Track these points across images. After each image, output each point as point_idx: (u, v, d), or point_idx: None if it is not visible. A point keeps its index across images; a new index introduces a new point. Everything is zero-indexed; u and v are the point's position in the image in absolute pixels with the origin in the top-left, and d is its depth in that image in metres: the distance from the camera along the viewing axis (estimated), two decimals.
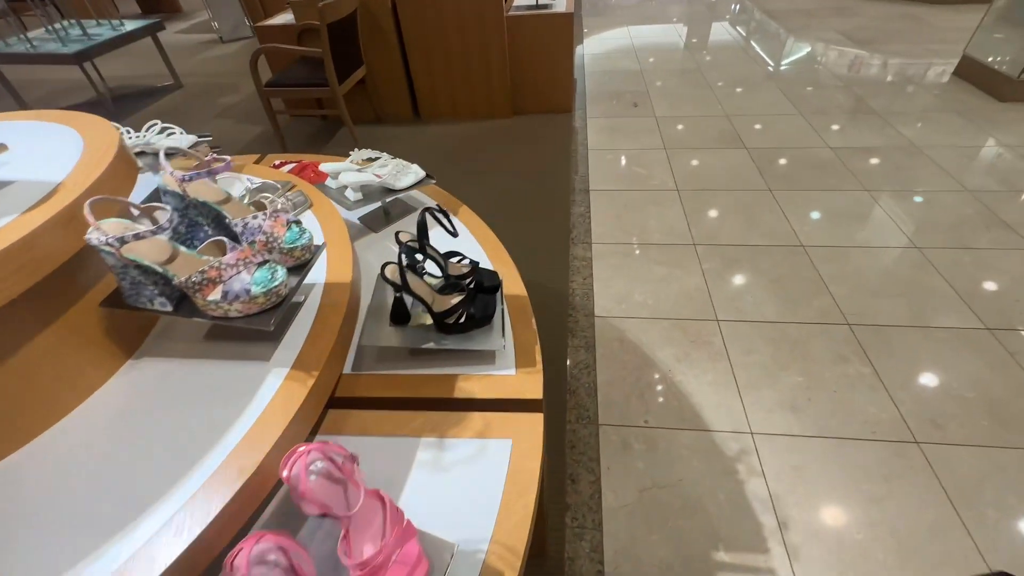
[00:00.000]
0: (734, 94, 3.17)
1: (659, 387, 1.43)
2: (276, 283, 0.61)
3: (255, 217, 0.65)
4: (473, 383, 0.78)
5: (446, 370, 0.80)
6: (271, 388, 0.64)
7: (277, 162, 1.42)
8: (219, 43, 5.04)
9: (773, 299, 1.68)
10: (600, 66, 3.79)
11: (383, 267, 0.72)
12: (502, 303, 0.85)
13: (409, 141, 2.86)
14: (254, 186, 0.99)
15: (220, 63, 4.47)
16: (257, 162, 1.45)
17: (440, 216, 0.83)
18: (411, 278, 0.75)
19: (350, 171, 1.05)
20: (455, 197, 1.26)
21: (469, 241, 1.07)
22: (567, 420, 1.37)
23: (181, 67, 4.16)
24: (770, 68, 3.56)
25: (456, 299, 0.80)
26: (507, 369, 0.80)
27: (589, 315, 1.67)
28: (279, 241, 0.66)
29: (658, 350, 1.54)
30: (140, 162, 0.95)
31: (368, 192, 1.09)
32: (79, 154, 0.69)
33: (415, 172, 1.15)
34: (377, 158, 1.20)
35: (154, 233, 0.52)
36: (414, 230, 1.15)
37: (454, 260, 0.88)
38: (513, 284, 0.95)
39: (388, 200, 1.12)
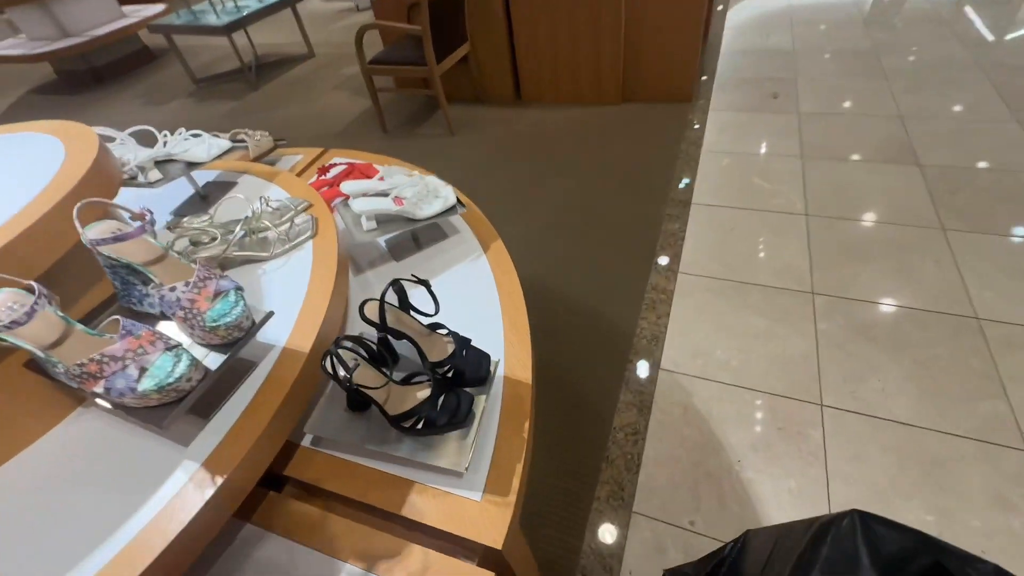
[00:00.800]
0: (918, 86, 2.45)
1: (720, 481, 1.15)
2: (173, 379, 0.50)
3: (173, 289, 0.55)
4: (427, 500, 0.63)
5: (405, 472, 0.66)
6: (175, 486, 0.56)
7: (332, 161, 1.36)
8: (355, 12, 5.26)
9: (914, 390, 1.25)
10: (743, 43, 3.20)
11: (323, 357, 0.58)
12: (486, 402, 0.67)
13: (504, 125, 2.69)
14: (265, 207, 0.92)
15: (351, 32, 4.65)
16: (315, 160, 1.40)
17: (411, 286, 0.67)
18: (362, 370, 0.61)
19: (366, 196, 0.93)
20: (493, 226, 1.08)
21: (487, 292, 0.89)
22: (596, 496, 1.16)
23: (317, 36, 4.41)
24: (983, 51, 2.69)
25: (422, 393, 0.64)
26: (472, 491, 0.63)
27: (654, 365, 1.41)
28: (200, 318, 0.55)
29: (731, 430, 1.24)
30: (159, 173, 0.92)
31: (387, 219, 0.96)
32: (40, 187, 0.64)
33: (444, 198, 0.99)
34: (411, 175, 1.06)
35: (9, 328, 0.44)
36: (447, 258, 1.02)
37: (442, 333, 0.72)
38: (518, 365, 0.76)
39: (418, 225, 0.98)
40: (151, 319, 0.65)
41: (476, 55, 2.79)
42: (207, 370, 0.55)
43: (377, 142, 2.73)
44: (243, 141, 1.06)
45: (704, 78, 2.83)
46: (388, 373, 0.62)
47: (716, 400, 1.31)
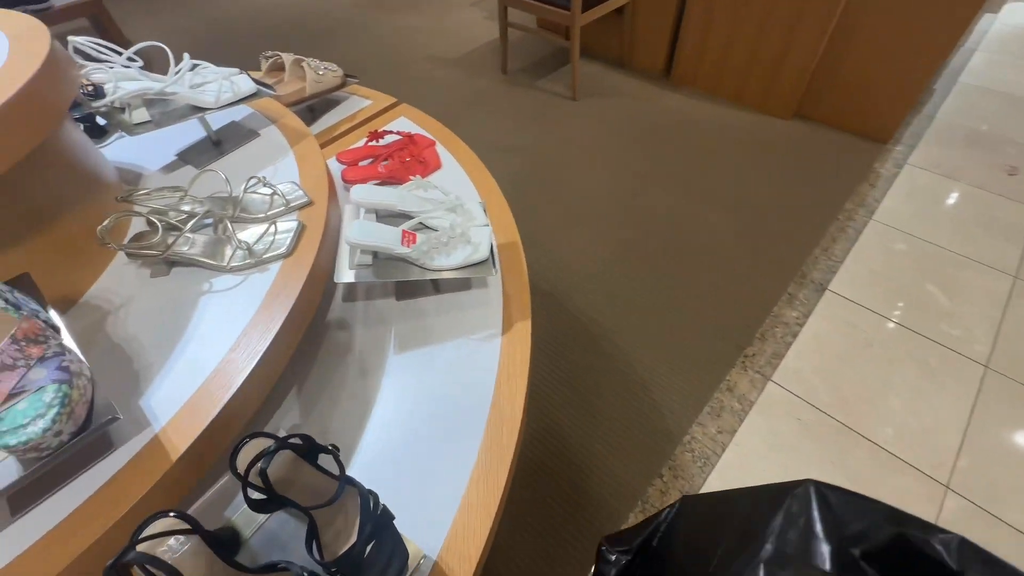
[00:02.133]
0: None
1: None
2: None
3: None
4: None
5: None
6: None
7: (391, 126, 1.12)
8: None
9: None
10: (992, 75, 2.36)
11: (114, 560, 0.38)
12: None
13: (638, 104, 2.25)
14: (260, 186, 0.71)
15: None
16: (382, 112, 1.17)
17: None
18: (191, 556, 0.41)
19: (363, 220, 0.69)
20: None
21: (476, 405, 0.65)
22: None
23: None
24: None
25: None
26: None
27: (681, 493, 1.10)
28: None
29: None
30: (146, 114, 0.74)
31: (389, 258, 0.72)
32: None
33: (475, 246, 0.72)
34: (446, 196, 0.79)
35: None
36: (454, 322, 0.77)
37: (355, 495, 0.49)
38: (458, 559, 0.53)
39: (425, 277, 0.73)
40: None
41: (633, 10, 2.30)
42: None
43: (490, 81, 2.43)
44: (270, 87, 0.84)
45: (915, 115, 2.13)
46: (239, 567, 0.42)
47: None
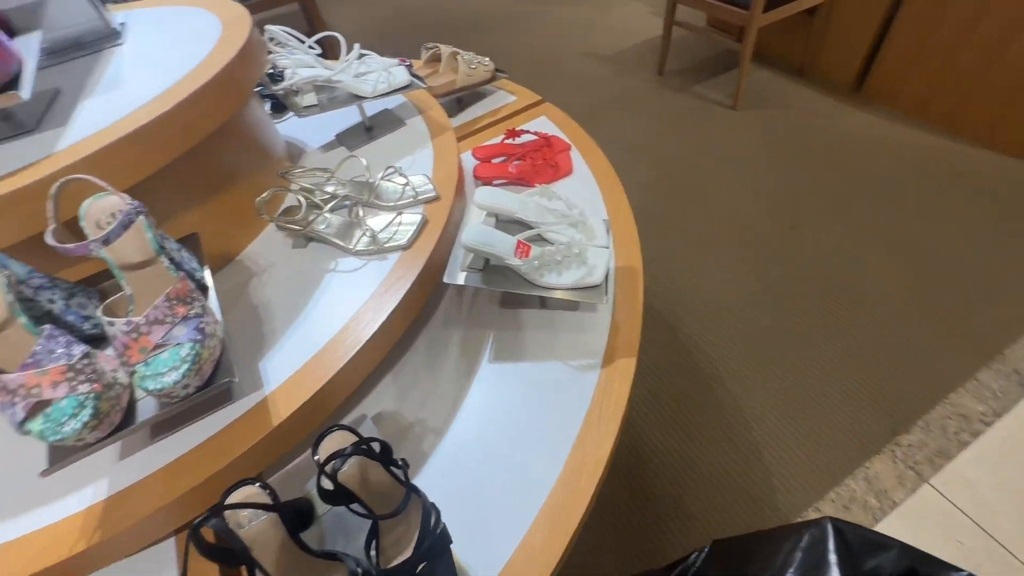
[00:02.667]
0: None
1: None
2: (64, 434, 0.40)
3: (112, 323, 0.43)
4: None
5: None
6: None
7: (530, 125, 1.11)
8: None
9: None
10: None
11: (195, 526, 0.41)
12: None
13: (814, 120, 1.95)
14: (396, 175, 0.75)
15: None
16: (525, 109, 1.17)
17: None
18: (263, 528, 0.43)
19: (480, 224, 0.67)
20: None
21: (558, 440, 0.61)
22: None
23: None
24: None
25: None
26: None
27: None
28: (129, 370, 0.43)
29: None
30: (314, 99, 0.80)
31: (500, 266, 0.70)
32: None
33: (590, 268, 0.68)
34: (569, 211, 0.75)
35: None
36: (556, 341, 0.73)
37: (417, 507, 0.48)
38: None
39: (533, 292, 0.70)
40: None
41: (830, 8, 1.99)
42: (120, 422, 0.44)
43: (642, 81, 2.30)
44: (421, 80, 0.87)
45: None
46: (303, 546, 0.43)
47: None
